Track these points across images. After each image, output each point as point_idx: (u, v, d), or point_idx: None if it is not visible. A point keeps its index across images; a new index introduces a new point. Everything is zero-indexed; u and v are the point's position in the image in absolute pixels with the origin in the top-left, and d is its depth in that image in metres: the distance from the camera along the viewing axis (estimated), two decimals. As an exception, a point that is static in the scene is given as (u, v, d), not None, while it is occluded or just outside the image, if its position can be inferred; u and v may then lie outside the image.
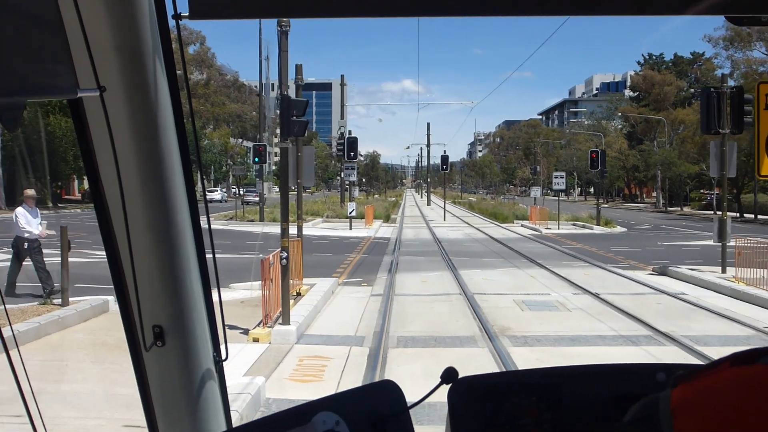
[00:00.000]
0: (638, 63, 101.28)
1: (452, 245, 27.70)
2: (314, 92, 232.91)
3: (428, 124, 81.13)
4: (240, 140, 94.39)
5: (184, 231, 1.57)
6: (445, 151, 49.40)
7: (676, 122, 79.68)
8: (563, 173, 38.50)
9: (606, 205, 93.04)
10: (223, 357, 1.73)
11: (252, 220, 39.56)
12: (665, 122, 79.25)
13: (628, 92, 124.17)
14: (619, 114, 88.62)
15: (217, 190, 77.54)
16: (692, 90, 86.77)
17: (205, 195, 2.12)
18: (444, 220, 47.05)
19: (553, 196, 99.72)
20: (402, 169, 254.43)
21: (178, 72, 1.55)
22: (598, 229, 38.01)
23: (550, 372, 1.70)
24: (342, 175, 35.80)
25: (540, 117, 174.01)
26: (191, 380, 1.66)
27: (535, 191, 45.08)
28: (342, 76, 49.14)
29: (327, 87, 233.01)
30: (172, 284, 1.58)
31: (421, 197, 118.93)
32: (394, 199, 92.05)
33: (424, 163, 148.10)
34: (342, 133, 40.83)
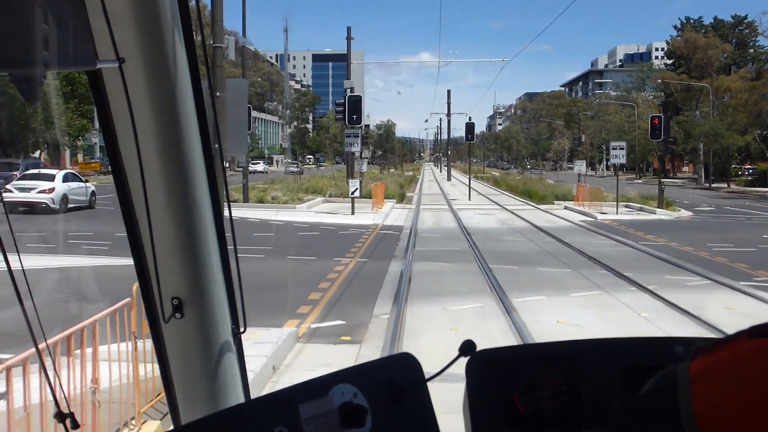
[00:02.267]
0: (675, 27, 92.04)
1: (488, 240, 19.72)
2: (330, 63, 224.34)
3: (449, 91, 72.85)
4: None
5: (203, 202, 1.54)
6: (470, 118, 41.37)
7: (720, 90, 70.92)
8: (623, 143, 29.99)
9: (639, 181, 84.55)
10: (241, 329, 1.70)
11: (235, 201, 31.81)
12: (710, 90, 70.32)
13: (657, 61, 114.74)
14: (659, 81, 78.92)
15: (260, 162, 76.84)
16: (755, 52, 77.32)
17: (224, 167, 1.81)
18: (469, 199, 39.01)
19: (590, 171, 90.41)
20: (420, 142, 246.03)
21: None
22: (662, 214, 29.81)
23: (568, 344, 1.68)
24: (345, 146, 27.62)
25: (562, 89, 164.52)
26: (210, 352, 1.63)
27: (580, 165, 36.70)
28: (348, 29, 41.35)
29: (344, 58, 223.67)
30: (191, 256, 1.54)
31: (440, 171, 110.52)
32: (411, 173, 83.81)
33: (443, 135, 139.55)
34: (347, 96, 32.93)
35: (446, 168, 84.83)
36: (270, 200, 31.64)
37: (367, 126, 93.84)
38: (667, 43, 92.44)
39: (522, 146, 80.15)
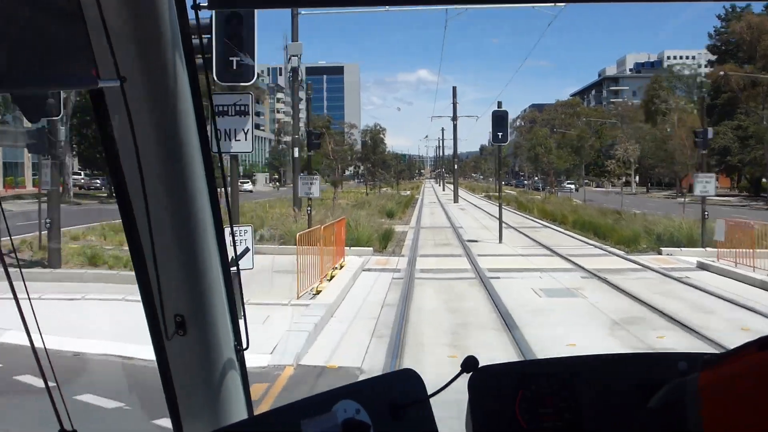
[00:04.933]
0: (719, 17, 75.70)
1: None
2: (325, 76, 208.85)
3: (454, 88, 56.55)
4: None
5: (205, 220, 1.52)
6: (500, 105, 25.00)
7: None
8: None
9: (681, 200, 68.19)
10: (244, 346, 1.69)
11: (37, 262, 15.48)
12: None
13: (672, 61, 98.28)
14: (721, 74, 62.19)
15: (248, 181, 71.03)
16: None
17: (225, 184, 1.74)
18: (500, 241, 22.49)
19: (595, 187, 70.83)
20: (420, 158, 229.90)
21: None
22: None
23: (571, 361, 1.64)
24: (212, 137, 11.26)
25: (577, 97, 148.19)
26: (213, 369, 1.62)
27: (706, 183, 20.07)
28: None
29: (338, 71, 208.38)
30: (194, 274, 1.53)
31: (443, 190, 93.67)
32: (408, 192, 67.30)
33: (447, 146, 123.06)
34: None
35: (452, 185, 67.83)
36: (109, 261, 15.16)
37: (365, 143, 74.92)
38: (711, 35, 76.23)
39: (556, 157, 61.39)
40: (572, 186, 66.26)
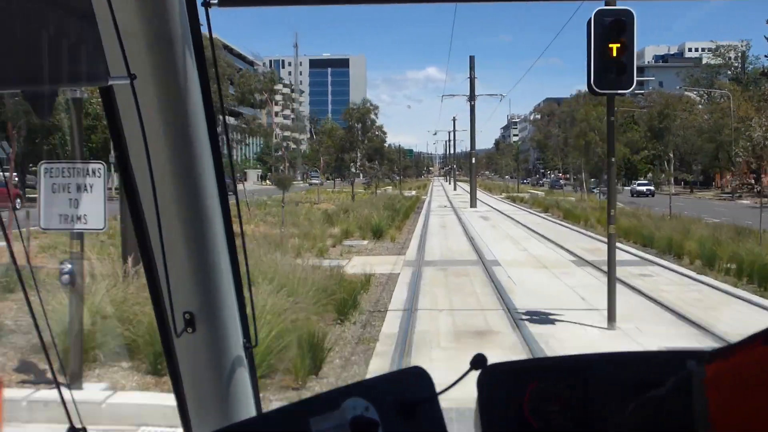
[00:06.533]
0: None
1: None
2: (330, 69, 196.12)
3: (471, 57, 43.32)
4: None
5: (215, 217, 1.49)
6: None
7: None
8: None
9: (745, 202, 55.22)
10: (253, 343, 1.65)
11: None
12: None
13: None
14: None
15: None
16: None
17: (234, 181, 1.77)
18: (611, 324, 9.54)
19: (630, 190, 57.02)
20: (429, 156, 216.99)
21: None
22: None
23: (579, 358, 1.59)
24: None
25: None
26: (221, 366, 1.58)
27: None
28: None
29: (344, 63, 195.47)
30: (203, 271, 1.50)
31: (455, 189, 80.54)
32: (414, 193, 54.33)
33: (461, 134, 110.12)
34: None
35: (466, 184, 54.45)
36: None
37: (350, 127, 55.81)
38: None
39: (622, 144, 46.42)
40: (648, 187, 52.19)
